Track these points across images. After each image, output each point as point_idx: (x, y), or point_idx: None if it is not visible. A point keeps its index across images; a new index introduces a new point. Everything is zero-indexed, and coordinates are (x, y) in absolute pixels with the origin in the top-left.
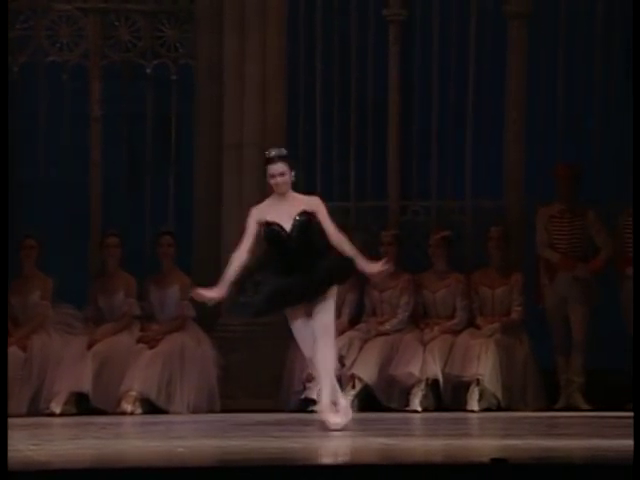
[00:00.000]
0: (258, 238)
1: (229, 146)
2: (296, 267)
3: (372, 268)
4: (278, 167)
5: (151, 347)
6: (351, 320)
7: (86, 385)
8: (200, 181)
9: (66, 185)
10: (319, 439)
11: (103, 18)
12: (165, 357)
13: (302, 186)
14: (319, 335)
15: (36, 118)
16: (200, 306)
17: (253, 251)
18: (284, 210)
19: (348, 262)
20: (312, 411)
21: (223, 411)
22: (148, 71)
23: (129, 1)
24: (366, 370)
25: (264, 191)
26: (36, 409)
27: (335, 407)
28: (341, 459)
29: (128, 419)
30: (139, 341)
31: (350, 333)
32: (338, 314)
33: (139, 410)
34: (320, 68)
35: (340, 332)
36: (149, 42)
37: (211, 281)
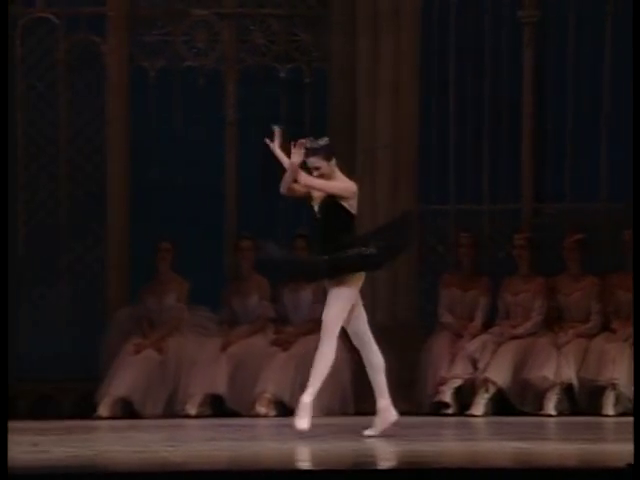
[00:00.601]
0: None
1: (362, 148)
2: (320, 247)
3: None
4: (312, 161)
5: (285, 349)
6: (484, 323)
7: (221, 387)
8: None
9: (201, 188)
10: (453, 442)
11: (239, 23)
12: (299, 359)
13: (425, 190)
14: (321, 331)
15: (172, 122)
16: None
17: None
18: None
19: (370, 256)
20: (446, 414)
21: (356, 413)
22: (282, 75)
23: (264, 5)
24: (500, 374)
25: (397, 193)
26: (172, 411)
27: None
28: (473, 463)
29: (262, 421)
30: (273, 343)
31: (483, 336)
32: (471, 317)
33: (273, 412)
34: (453, 70)
35: (473, 335)
36: (283, 46)
37: None
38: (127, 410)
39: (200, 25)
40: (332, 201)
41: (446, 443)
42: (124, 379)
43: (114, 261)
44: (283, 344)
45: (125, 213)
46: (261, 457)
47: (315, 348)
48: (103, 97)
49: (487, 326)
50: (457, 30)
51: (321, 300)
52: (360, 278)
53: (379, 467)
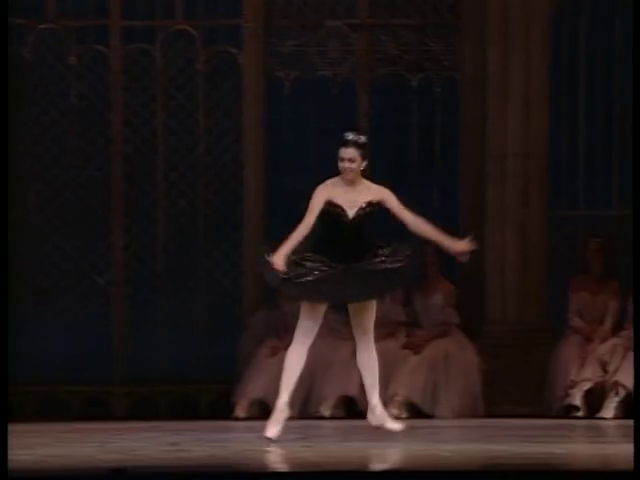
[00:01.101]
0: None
1: (492, 156)
2: (347, 256)
3: (457, 246)
4: (349, 152)
5: (416, 353)
6: (614, 327)
7: (354, 389)
8: (464, 190)
9: None
10: (583, 445)
11: (371, 33)
12: (430, 362)
13: (554, 196)
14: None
15: (305, 130)
16: (463, 314)
17: (313, 228)
18: (351, 196)
19: (397, 275)
20: (576, 417)
21: (486, 416)
22: (414, 84)
23: (396, 16)
24: (630, 377)
25: (526, 200)
26: (306, 412)
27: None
28: (604, 465)
29: None
30: (405, 347)
31: (613, 340)
32: (601, 321)
33: (405, 414)
34: (583, 75)
35: (603, 339)
36: (415, 56)
37: (475, 289)
38: (263, 411)
39: (334, 36)
40: (372, 210)
41: (576, 445)
42: (260, 381)
43: (250, 266)
44: (414, 347)
45: (261, 220)
46: (391, 458)
47: (446, 351)
48: (240, 106)
49: (617, 330)
50: (587, 40)
51: (452, 304)
52: None
53: (509, 469)
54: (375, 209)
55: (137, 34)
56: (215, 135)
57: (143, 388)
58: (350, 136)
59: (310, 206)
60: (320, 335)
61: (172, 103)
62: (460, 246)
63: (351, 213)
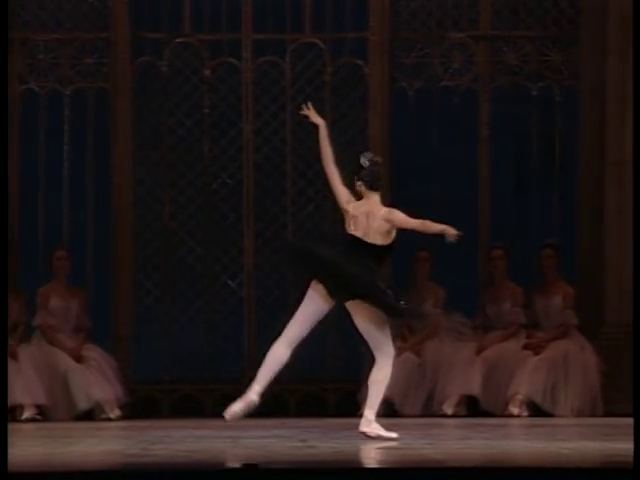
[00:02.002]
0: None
1: (611, 162)
2: (350, 263)
3: (446, 229)
4: None
5: (536, 353)
6: None
7: (476, 389)
8: (584, 196)
9: (456, 201)
10: None
11: (492, 44)
12: (550, 363)
13: None
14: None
15: (429, 139)
16: (582, 315)
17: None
18: (364, 209)
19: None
20: None
21: (605, 415)
22: (534, 93)
23: (517, 28)
24: None
25: None
26: (430, 410)
27: None
28: None
29: (515, 421)
30: (525, 348)
31: None
32: None
33: (525, 413)
34: None
35: None
36: (535, 66)
37: (593, 291)
38: (389, 409)
39: (456, 47)
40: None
41: None
42: None
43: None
44: (535, 348)
45: None
46: (512, 455)
47: (565, 351)
48: (365, 116)
49: None
50: None
51: (570, 306)
52: None
53: (627, 467)
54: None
55: (268, 47)
56: (342, 144)
57: (273, 387)
58: (366, 159)
59: (406, 219)
60: (444, 336)
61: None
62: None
63: (359, 234)
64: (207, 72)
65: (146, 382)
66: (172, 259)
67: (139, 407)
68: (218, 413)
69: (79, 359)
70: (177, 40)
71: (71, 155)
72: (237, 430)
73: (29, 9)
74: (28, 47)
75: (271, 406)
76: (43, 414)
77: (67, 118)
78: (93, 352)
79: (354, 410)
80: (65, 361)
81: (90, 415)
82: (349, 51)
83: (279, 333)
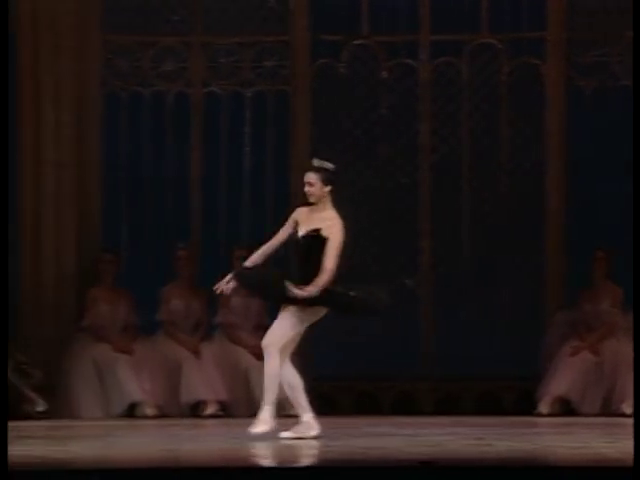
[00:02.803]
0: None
1: None
2: (295, 275)
3: (299, 293)
4: (309, 176)
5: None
6: None
7: None
8: None
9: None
10: None
11: None
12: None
13: None
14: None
15: (609, 137)
16: None
17: (282, 243)
18: (309, 219)
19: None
20: None
21: None
22: None
23: None
24: None
25: None
26: (608, 409)
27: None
28: None
29: None
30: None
31: None
32: None
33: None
34: None
35: None
36: None
37: None
38: (566, 408)
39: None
40: (311, 238)
41: None
42: (563, 379)
43: (552, 268)
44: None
45: (561, 224)
46: None
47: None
48: (542, 115)
49: None
50: None
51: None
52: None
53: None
54: (320, 238)
55: (445, 48)
56: (518, 143)
57: (449, 385)
58: (315, 162)
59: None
60: (621, 335)
61: (477, 113)
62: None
63: (300, 233)
64: (384, 73)
65: (325, 380)
66: (348, 258)
67: (319, 404)
68: (396, 411)
69: (260, 357)
70: (355, 42)
71: (251, 156)
72: (414, 428)
73: (211, 13)
74: (210, 50)
75: (447, 404)
76: (225, 410)
77: (248, 120)
78: None
79: (530, 408)
80: (246, 359)
81: None
82: (526, 51)
83: (455, 331)
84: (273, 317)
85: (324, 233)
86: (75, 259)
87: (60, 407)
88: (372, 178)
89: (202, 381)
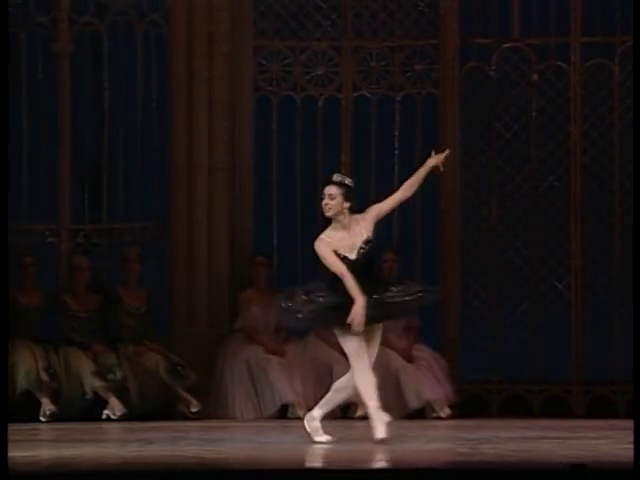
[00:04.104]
0: None
1: None
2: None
3: (432, 162)
4: (329, 189)
5: None
6: None
7: None
8: None
9: None
10: None
11: None
12: None
13: None
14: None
15: None
16: None
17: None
18: (348, 240)
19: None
20: None
21: None
22: None
23: None
24: None
25: None
26: None
27: None
28: None
29: None
30: None
31: None
32: None
33: None
34: None
35: None
36: None
37: None
38: None
39: None
40: (371, 246)
41: None
42: None
43: None
44: None
45: None
46: None
47: None
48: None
49: None
50: None
51: None
52: None
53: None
54: (374, 240)
55: (596, 49)
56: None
57: (601, 388)
58: (334, 177)
59: (326, 258)
60: None
61: (628, 115)
62: (434, 160)
63: (353, 256)
64: (535, 76)
65: (474, 382)
66: (499, 261)
67: (468, 406)
68: (546, 413)
69: (410, 359)
70: (505, 45)
71: (400, 160)
72: (565, 431)
73: (362, 18)
74: (360, 55)
75: (599, 407)
76: None
77: (398, 123)
78: (423, 352)
79: None
80: (397, 361)
81: (421, 413)
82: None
83: (606, 335)
84: (424, 319)
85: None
86: (228, 261)
87: (213, 408)
88: (522, 181)
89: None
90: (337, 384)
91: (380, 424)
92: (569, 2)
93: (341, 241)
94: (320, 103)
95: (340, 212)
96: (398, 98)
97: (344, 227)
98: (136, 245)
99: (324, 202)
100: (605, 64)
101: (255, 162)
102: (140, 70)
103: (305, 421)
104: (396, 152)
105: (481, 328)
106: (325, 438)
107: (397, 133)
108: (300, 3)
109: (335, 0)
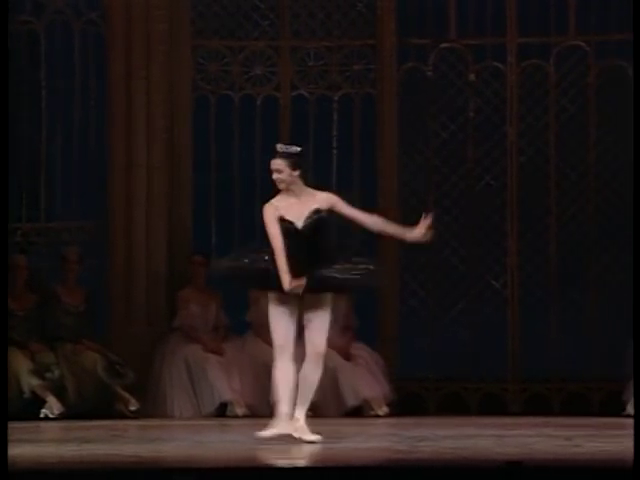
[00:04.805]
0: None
1: None
2: (305, 265)
3: (412, 234)
4: (276, 163)
5: None
6: None
7: None
8: None
9: None
10: None
11: None
12: None
13: None
14: (309, 353)
15: None
16: None
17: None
18: (296, 207)
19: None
20: None
21: None
22: None
23: None
24: None
25: None
26: None
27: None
28: None
29: None
30: None
31: None
32: None
33: None
34: None
35: None
36: None
37: None
38: None
39: None
40: (319, 217)
41: None
42: None
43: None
44: None
45: None
46: None
47: None
48: (630, 118)
49: None
50: None
51: None
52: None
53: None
54: (324, 217)
55: (532, 50)
56: (605, 146)
57: (537, 385)
58: (278, 147)
59: (268, 227)
60: None
61: (564, 115)
62: (416, 233)
63: (299, 224)
64: (472, 76)
65: (412, 380)
66: (437, 259)
67: (406, 404)
68: (483, 411)
69: (348, 357)
70: (442, 45)
71: (338, 159)
72: (502, 428)
73: (300, 18)
74: (298, 54)
75: (535, 405)
76: (313, 411)
77: (336, 123)
78: (361, 351)
79: (619, 409)
80: (334, 359)
81: (359, 411)
82: (613, 53)
83: (541, 333)
84: (362, 318)
85: (327, 207)
86: (166, 260)
87: (152, 406)
88: (459, 180)
89: None
90: (300, 376)
91: (274, 426)
92: (505, 3)
93: (290, 207)
94: (258, 102)
95: (292, 182)
96: (336, 98)
97: (296, 195)
98: (75, 245)
99: (273, 176)
100: (541, 65)
101: (194, 161)
102: (78, 69)
103: (291, 430)
104: (334, 151)
105: (418, 326)
106: (315, 437)
107: (335, 132)
108: (238, 3)
109: (273, 0)
